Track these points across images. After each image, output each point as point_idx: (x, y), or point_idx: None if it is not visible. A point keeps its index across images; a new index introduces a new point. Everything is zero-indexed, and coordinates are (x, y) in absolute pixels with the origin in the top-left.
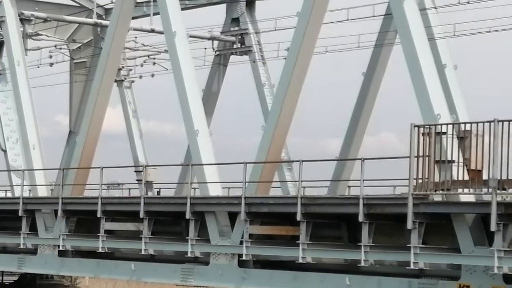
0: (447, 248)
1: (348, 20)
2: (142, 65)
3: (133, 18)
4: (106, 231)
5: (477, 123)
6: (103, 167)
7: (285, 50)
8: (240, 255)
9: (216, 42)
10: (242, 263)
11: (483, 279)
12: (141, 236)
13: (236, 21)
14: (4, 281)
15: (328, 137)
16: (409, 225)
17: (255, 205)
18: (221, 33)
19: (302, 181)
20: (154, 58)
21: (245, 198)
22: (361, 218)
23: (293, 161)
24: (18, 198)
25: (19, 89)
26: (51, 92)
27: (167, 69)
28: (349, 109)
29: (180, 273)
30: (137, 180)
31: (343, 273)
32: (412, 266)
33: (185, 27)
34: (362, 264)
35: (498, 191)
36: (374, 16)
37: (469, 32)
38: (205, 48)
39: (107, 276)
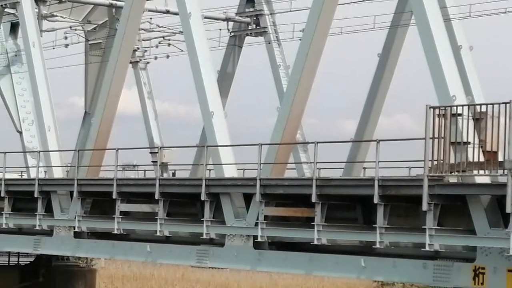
0: (462, 229)
1: (363, 1)
2: (157, 47)
3: None
4: (122, 213)
5: (492, 104)
6: (118, 149)
7: (300, 31)
8: (255, 237)
9: (231, 23)
10: (257, 245)
11: (498, 261)
12: (156, 217)
13: (251, 2)
14: (20, 262)
15: (343, 119)
16: (424, 206)
17: (270, 187)
18: (236, 14)
19: (317, 162)
20: (169, 40)
21: (260, 179)
22: (376, 200)
23: (308, 143)
24: (34, 179)
25: (35, 70)
26: (66, 73)
27: (182, 51)
28: (365, 91)
29: (195, 254)
30: (152, 161)
31: (358, 255)
32: (427, 248)
33: (200, 8)
34: (377, 245)
35: None
36: None
37: (485, 13)
38: (220, 29)
39: (123, 257)
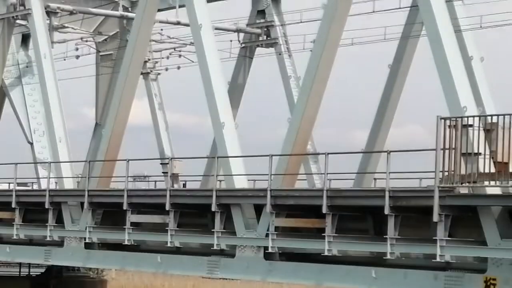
0: (473, 241)
1: (374, 12)
2: (168, 58)
3: (159, 10)
4: (132, 224)
5: (503, 115)
6: (129, 160)
7: (311, 42)
8: (266, 248)
9: (241, 35)
10: (268, 256)
11: (510, 272)
12: (167, 228)
13: (261, 13)
14: (31, 273)
15: (354, 129)
16: (435, 217)
17: (281, 198)
18: (247, 25)
19: (328, 173)
20: (180, 51)
21: (270, 190)
22: (387, 211)
23: (319, 154)
24: (45, 190)
25: (46, 81)
26: (77, 84)
27: (193, 62)
28: (375, 101)
29: (206, 265)
30: (163, 172)
31: (369, 266)
32: (438, 259)
33: (211, 19)
34: (388, 256)
35: None
36: (400, 8)
37: (496, 23)
38: (231, 41)
39: (133, 268)
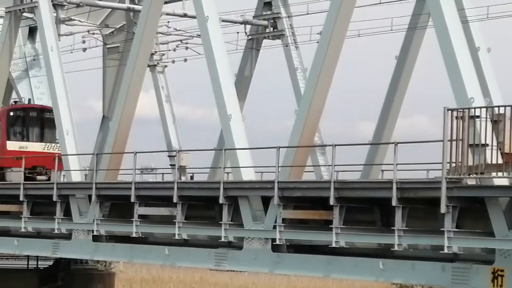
0: (481, 232)
1: (380, 3)
2: (174, 50)
3: (166, 2)
4: (140, 216)
5: (510, 106)
6: (136, 152)
7: (318, 34)
8: (273, 240)
9: (248, 26)
10: (275, 248)
11: None
12: (174, 220)
13: (268, 5)
14: (39, 266)
15: (362, 121)
16: (443, 209)
17: (288, 190)
18: (254, 17)
19: (335, 165)
20: (186, 43)
21: (278, 182)
22: (394, 202)
23: (326, 145)
24: (53, 183)
25: (53, 74)
26: (84, 77)
27: (199, 54)
28: (382, 93)
29: (214, 257)
30: (170, 165)
31: (377, 257)
32: (446, 250)
33: (218, 11)
34: (396, 248)
35: None
36: None
37: (503, 14)
38: (238, 33)
39: (141, 260)
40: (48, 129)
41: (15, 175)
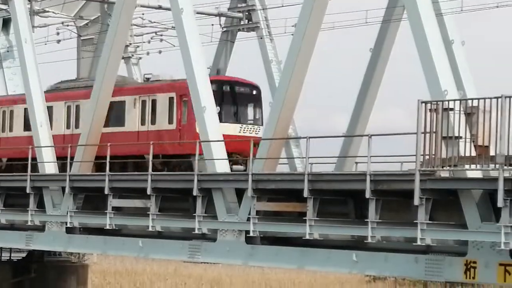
0: (454, 224)
1: None
2: (149, 42)
3: None
4: (114, 208)
5: (484, 99)
6: (110, 144)
7: (292, 26)
8: (247, 232)
9: (223, 19)
10: (249, 240)
11: (489, 255)
12: (148, 212)
13: None
14: (12, 258)
15: (336, 113)
16: (416, 201)
17: (262, 182)
18: (228, 9)
19: (309, 157)
20: (161, 35)
21: (252, 174)
22: (368, 195)
23: (300, 138)
24: (26, 175)
25: (27, 66)
26: (59, 69)
27: (174, 46)
28: (357, 85)
29: (188, 249)
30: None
31: (350, 249)
32: (419, 242)
33: (192, 3)
34: (369, 240)
35: (505, 167)
36: None
37: (477, 7)
38: (212, 25)
39: (115, 253)
40: (246, 108)
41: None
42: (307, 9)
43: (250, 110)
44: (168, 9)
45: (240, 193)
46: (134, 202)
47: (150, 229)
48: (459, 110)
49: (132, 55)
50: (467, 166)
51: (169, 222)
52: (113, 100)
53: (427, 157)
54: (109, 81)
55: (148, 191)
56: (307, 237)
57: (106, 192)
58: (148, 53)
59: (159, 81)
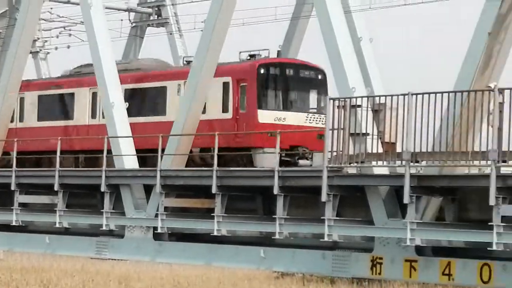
0: (361, 220)
1: None
2: (57, 37)
3: None
4: (20, 204)
5: (391, 96)
6: (17, 140)
7: (202, 22)
8: (155, 228)
9: (132, 14)
10: (157, 236)
11: (396, 251)
12: (55, 209)
13: None
14: None
15: None
16: (324, 197)
17: (171, 178)
18: (138, 4)
19: (218, 154)
20: (69, 30)
21: (160, 170)
22: (276, 191)
23: (209, 134)
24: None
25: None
26: None
27: (83, 41)
28: None
29: (95, 246)
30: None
31: (258, 246)
32: (326, 239)
33: None
34: (277, 236)
35: (412, 164)
36: None
37: (385, 5)
38: (122, 20)
39: (21, 249)
40: (315, 95)
41: (269, 159)
42: (217, 5)
43: (315, 97)
44: (77, 3)
45: (149, 189)
46: (41, 198)
47: (57, 225)
48: (367, 107)
49: (40, 50)
50: (374, 163)
51: (76, 218)
52: (149, 86)
53: (334, 153)
54: (16, 76)
55: (56, 187)
56: (215, 233)
57: (12, 188)
58: (56, 48)
59: None
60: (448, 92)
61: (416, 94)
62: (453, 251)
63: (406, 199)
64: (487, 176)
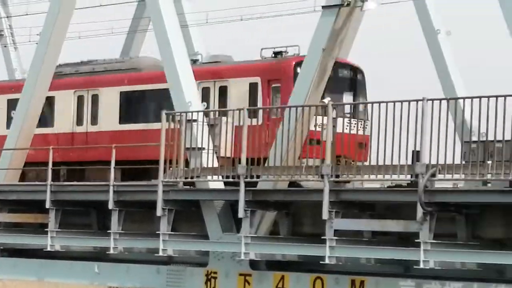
0: (196, 235)
1: (101, 5)
2: None
3: None
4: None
5: (227, 110)
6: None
7: (37, 35)
8: None
9: None
10: None
11: (230, 265)
12: None
13: None
14: None
15: None
16: (159, 212)
17: (4, 193)
18: None
19: (52, 168)
20: None
21: None
22: (111, 206)
23: (43, 148)
24: None
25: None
26: None
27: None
28: None
29: None
30: None
31: (93, 261)
32: (161, 253)
33: None
34: (111, 251)
35: (246, 179)
36: (128, 1)
37: (222, 19)
38: None
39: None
40: (354, 98)
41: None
42: (52, 18)
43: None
44: None
45: None
46: None
47: None
48: (202, 122)
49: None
50: (209, 177)
51: None
52: (156, 88)
53: (170, 168)
54: None
55: None
56: (49, 248)
57: None
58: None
59: (228, 62)
60: (283, 107)
61: (249, 109)
62: (287, 264)
63: (240, 214)
64: (320, 191)
